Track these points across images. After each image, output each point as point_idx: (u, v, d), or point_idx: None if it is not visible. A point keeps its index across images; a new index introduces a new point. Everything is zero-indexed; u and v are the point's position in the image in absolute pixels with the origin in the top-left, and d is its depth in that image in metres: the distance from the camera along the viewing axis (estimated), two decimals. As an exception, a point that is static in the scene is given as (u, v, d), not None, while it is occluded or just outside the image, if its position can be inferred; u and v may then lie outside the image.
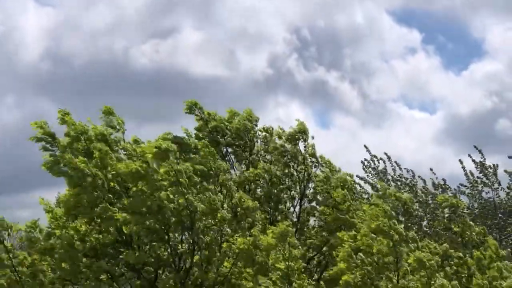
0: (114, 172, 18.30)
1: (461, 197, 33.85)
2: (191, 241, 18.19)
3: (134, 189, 18.12)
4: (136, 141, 20.03)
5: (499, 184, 34.72)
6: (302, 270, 18.24)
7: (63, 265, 18.24)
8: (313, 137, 23.51)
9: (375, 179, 34.71)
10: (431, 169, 35.53)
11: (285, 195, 22.78)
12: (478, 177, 34.91)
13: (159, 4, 76.59)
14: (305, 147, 23.39)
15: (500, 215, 34.52)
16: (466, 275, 20.01)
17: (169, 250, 18.42)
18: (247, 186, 22.28)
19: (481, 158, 34.86)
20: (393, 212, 20.64)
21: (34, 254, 18.95)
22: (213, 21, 77.75)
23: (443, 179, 35.27)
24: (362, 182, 34.53)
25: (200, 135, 22.94)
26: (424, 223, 33.76)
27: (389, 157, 35.79)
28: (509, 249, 29.58)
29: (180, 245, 18.42)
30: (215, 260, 18.26)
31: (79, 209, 18.24)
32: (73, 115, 19.31)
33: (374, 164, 35.81)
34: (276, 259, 17.83)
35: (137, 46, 73.69)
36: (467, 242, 21.40)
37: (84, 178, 17.95)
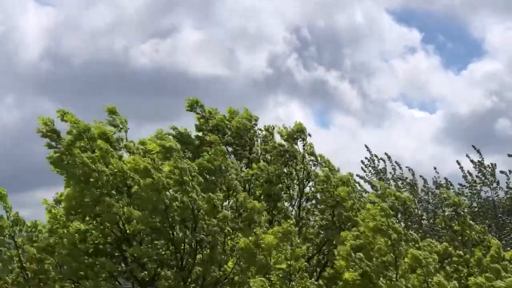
0: (116, 170, 18.38)
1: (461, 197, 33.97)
2: (194, 240, 18.27)
3: (136, 187, 18.22)
4: (142, 143, 20.20)
5: (498, 183, 34.89)
6: (304, 269, 18.29)
7: (65, 263, 18.44)
8: (310, 135, 23.65)
9: (374, 178, 34.86)
10: (435, 168, 35.81)
11: (284, 194, 22.81)
12: (477, 176, 35.08)
13: (159, 3, 76.60)
14: (303, 146, 23.49)
15: (499, 215, 34.69)
16: (466, 274, 20.10)
17: (172, 248, 18.50)
18: (246, 185, 22.37)
19: (480, 157, 35.06)
20: (393, 211, 20.82)
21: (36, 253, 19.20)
22: (213, 20, 77.79)
23: (445, 178, 35.52)
24: (361, 181, 34.74)
25: (201, 134, 23.05)
26: (425, 222, 33.95)
27: (389, 157, 35.97)
28: (509, 248, 29.70)
29: (183, 244, 18.49)
30: (218, 258, 18.38)
31: (82, 206, 18.35)
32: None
33: (374, 163, 35.99)
34: (278, 258, 17.87)
35: (137, 45, 73.71)
36: (466, 240, 21.53)
37: (90, 174, 18.07)
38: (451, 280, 19.00)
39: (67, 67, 70.01)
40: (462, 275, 20.29)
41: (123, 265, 18.72)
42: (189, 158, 20.39)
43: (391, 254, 17.82)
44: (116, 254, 18.77)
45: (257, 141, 24.04)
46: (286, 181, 23.00)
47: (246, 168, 23.06)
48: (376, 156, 36.14)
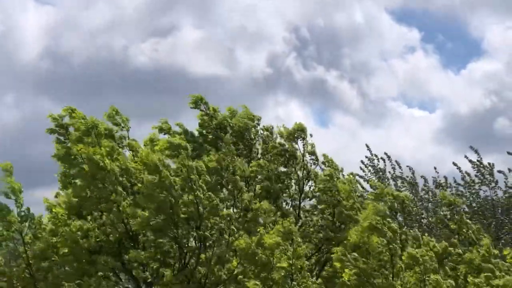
0: (124, 167, 18.69)
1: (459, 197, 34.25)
2: (198, 237, 18.49)
3: (140, 185, 18.53)
4: (151, 140, 20.39)
5: (496, 183, 35.15)
6: (306, 268, 18.43)
7: (67, 261, 18.76)
8: (311, 135, 23.84)
9: (373, 178, 35.11)
10: (435, 168, 36.05)
11: (284, 195, 23.06)
12: (476, 175, 35.34)
13: (159, 2, 76.87)
14: (304, 145, 23.66)
15: (498, 215, 34.94)
16: (463, 273, 20.30)
17: (175, 247, 18.74)
18: (247, 182, 22.52)
19: (478, 157, 35.32)
20: (391, 211, 21.12)
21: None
22: (213, 20, 78.01)
23: (445, 177, 35.78)
24: (361, 181, 35.00)
25: (204, 132, 23.22)
26: (425, 221, 34.22)
27: (388, 157, 36.22)
28: (508, 247, 29.97)
29: (187, 243, 18.76)
30: (223, 257, 18.63)
31: (87, 202, 18.67)
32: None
33: (373, 163, 36.25)
34: (280, 257, 17.98)
35: (136, 44, 74.05)
36: (463, 239, 21.75)
37: (97, 170, 18.34)
38: (450, 279, 19.13)
39: (66, 66, 70.42)
40: (459, 273, 20.45)
41: (124, 263, 18.94)
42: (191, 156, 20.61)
43: (387, 253, 17.95)
44: (120, 252, 18.97)
45: (258, 140, 24.18)
46: (285, 180, 23.19)
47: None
48: (375, 155, 36.45)
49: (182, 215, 18.25)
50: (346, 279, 17.47)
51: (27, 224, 19.52)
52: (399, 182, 35.42)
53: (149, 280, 18.61)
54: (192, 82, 66.95)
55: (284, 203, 23.20)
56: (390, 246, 17.88)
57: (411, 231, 21.41)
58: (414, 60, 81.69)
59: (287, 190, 23.23)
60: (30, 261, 19.37)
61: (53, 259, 19.11)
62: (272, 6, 79.15)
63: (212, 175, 19.60)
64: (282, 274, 17.82)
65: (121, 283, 19.22)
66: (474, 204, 35.18)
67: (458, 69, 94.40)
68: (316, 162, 23.85)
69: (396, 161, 35.99)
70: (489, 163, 35.28)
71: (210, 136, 22.93)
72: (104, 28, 74.11)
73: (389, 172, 35.79)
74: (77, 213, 19.12)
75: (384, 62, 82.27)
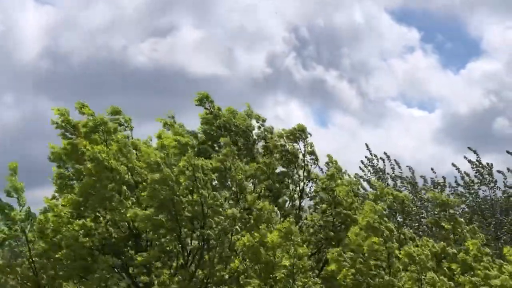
0: (130, 165, 18.84)
1: (459, 197, 34.46)
2: (201, 237, 18.60)
3: (144, 184, 18.70)
4: (159, 136, 20.47)
5: (495, 183, 35.31)
6: (308, 268, 18.59)
7: (69, 259, 18.83)
8: (310, 134, 24.09)
9: (372, 178, 35.25)
10: (431, 169, 36.22)
11: (284, 195, 23.27)
12: (475, 176, 35.51)
13: (158, 2, 77.14)
14: (304, 145, 23.90)
15: (497, 214, 35.10)
16: (458, 272, 20.44)
17: (178, 246, 18.88)
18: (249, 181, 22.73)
19: (477, 157, 35.49)
20: (390, 211, 21.27)
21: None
22: (212, 20, 78.21)
23: (443, 177, 35.95)
24: (361, 181, 35.13)
25: (208, 130, 23.42)
26: (424, 220, 34.34)
27: (388, 156, 36.37)
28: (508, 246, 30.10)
29: (190, 242, 18.87)
30: (224, 257, 18.82)
31: (90, 201, 18.77)
32: (72, 113, 19.99)
33: (372, 163, 36.42)
34: (282, 257, 18.13)
35: (136, 44, 74.24)
36: (458, 239, 21.92)
37: (102, 169, 18.51)
38: (447, 279, 19.28)
39: (66, 66, 70.63)
40: (456, 273, 20.57)
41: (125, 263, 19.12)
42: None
43: (384, 252, 18.16)
44: (122, 251, 19.16)
45: (260, 141, 24.39)
46: (285, 180, 23.41)
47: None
48: (375, 155, 36.63)
49: (186, 214, 18.38)
50: (342, 278, 17.59)
51: (30, 222, 19.66)
52: (398, 182, 35.57)
53: (146, 281, 18.70)
54: (191, 82, 67.22)
55: (284, 203, 23.41)
56: (387, 245, 18.01)
57: (410, 231, 21.53)
58: (414, 60, 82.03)
59: (287, 191, 23.44)
60: (33, 259, 19.50)
61: (56, 256, 19.22)
62: (272, 6, 79.31)
63: (214, 175, 19.79)
64: (284, 273, 17.97)
65: (123, 281, 19.29)
66: (473, 204, 35.32)
67: (457, 69, 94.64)
68: (316, 162, 24.09)
69: (395, 161, 36.18)
70: (488, 163, 35.45)
71: (214, 134, 23.12)
72: (103, 28, 74.48)
73: (388, 173, 35.96)
74: (79, 212, 19.25)
75: (384, 62, 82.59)
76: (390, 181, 35.41)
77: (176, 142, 19.42)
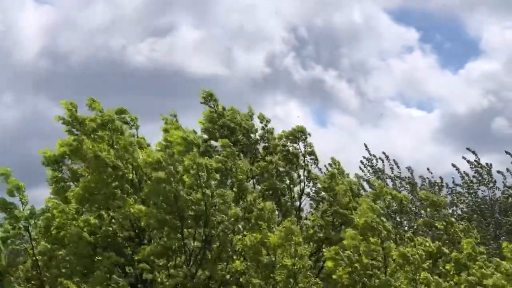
0: (135, 163, 18.99)
1: (457, 197, 34.70)
2: (203, 236, 18.78)
3: (148, 182, 18.90)
4: (165, 130, 20.62)
5: (494, 183, 35.50)
6: (308, 268, 18.68)
7: (73, 257, 19.05)
8: (310, 134, 24.26)
9: (371, 178, 35.45)
10: (428, 169, 36.43)
11: (284, 197, 23.43)
12: (474, 176, 35.73)
13: (157, 2, 77.13)
14: (304, 146, 24.11)
15: (496, 215, 35.30)
16: (452, 271, 20.67)
17: (181, 243, 18.98)
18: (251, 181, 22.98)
19: (476, 158, 35.71)
20: (388, 210, 21.44)
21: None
22: (211, 19, 78.14)
23: (440, 177, 36.20)
24: (360, 180, 35.32)
25: (211, 130, 23.57)
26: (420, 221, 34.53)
27: (387, 156, 36.61)
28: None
29: (192, 240, 19.03)
30: (227, 254, 19.00)
31: (94, 199, 18.96)
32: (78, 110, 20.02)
33: (371, 163, 36.62)
34: (283, 257, 18.22)
35: (134, 44, 74.37)
36: (452, 239, 22.12)
37: (104, 167, 18.69)
38: (443, 280, 19.50)
39: (65, 65, 70.75)
40: (451, 272, 20.81)
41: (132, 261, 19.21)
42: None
43: (380, 252, 18.34)
44: (126, 248, 19.34)
45: (262, 142, 24.59)
46: (287, 180, 23.62)
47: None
48: (374, 156, 36.82)
49: (190, 213, 18.52)
50: (338, 277, 17.75)
51: (33, 221, 19.80)
52: (397, 182, 35.78)
53: (149, 278, 18.83)
54: (190, 82, 67.11)
55: (286, 203, 23.59)
56: (384, 245, 18.17)
57: (409, 231, 21.67)
58: (412, 60, 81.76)
59: (288, 191, 23.62)
60: (37, 257, 19.67)
61: (60, 252, 19.37)
62: (271, 6, 79.36)
63: (221, 177, 19.94)
64: (285, 273, 18.07)
65: (126, 279, 19.45)
66: (472, 204, 35.52)
67: (456, 69, 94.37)
68: (316, 162, 24.33)
69: (394, 161, 36.38)
70: (487, 163, 35.67)
71: (217, 133, 23.32)
72: (103, 27, 74.58)
73: (387, 174, 36.16)
74: (84, 208, 19.40)
75: (382, 61, 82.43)
76: (389, 181, 35.67)
77: (181, 139, 19.55)
